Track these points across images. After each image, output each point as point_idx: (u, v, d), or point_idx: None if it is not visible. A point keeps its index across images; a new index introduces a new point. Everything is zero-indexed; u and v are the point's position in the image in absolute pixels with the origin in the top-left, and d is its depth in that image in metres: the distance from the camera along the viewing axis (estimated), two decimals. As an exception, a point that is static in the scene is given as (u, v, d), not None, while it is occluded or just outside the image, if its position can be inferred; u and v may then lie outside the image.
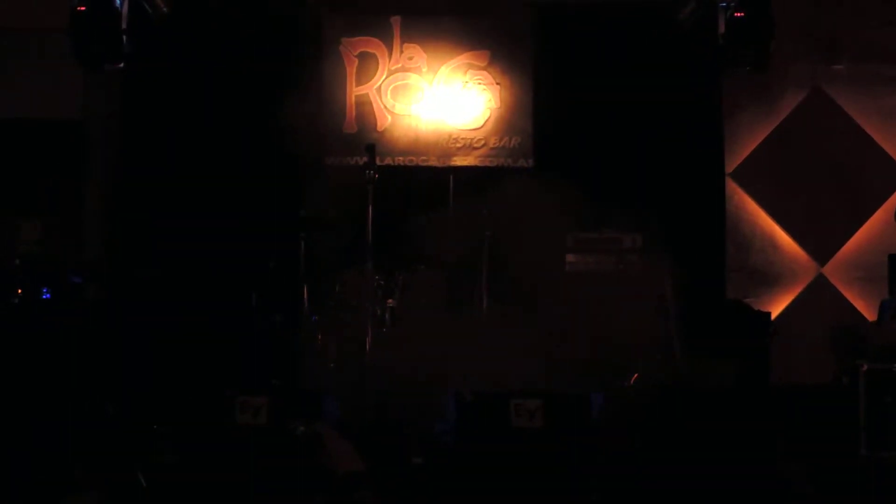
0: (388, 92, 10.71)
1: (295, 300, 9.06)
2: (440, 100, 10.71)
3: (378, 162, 8.83)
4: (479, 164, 10.68)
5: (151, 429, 7.50)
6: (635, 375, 8.65)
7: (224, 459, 7.07)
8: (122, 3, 9.46)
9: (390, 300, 9.06)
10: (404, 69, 10.75)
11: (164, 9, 10.10)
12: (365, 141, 9.62)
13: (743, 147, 10.86)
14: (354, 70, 10.71)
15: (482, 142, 10.70)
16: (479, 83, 10.71)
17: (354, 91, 10.70)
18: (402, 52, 10.75)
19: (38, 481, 7.04)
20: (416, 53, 10.74)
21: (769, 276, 10.81)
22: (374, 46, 10.74)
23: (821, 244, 10.83)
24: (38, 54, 10.18)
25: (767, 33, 9.39)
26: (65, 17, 9.17)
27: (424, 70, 10.73)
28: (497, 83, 10.71)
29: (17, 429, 7.52)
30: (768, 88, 10.76)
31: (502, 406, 7.20)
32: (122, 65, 9.64)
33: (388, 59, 10.74)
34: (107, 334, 8.70)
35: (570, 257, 9.58)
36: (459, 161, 10.67)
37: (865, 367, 7.88)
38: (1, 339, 8.14)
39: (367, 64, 10.72)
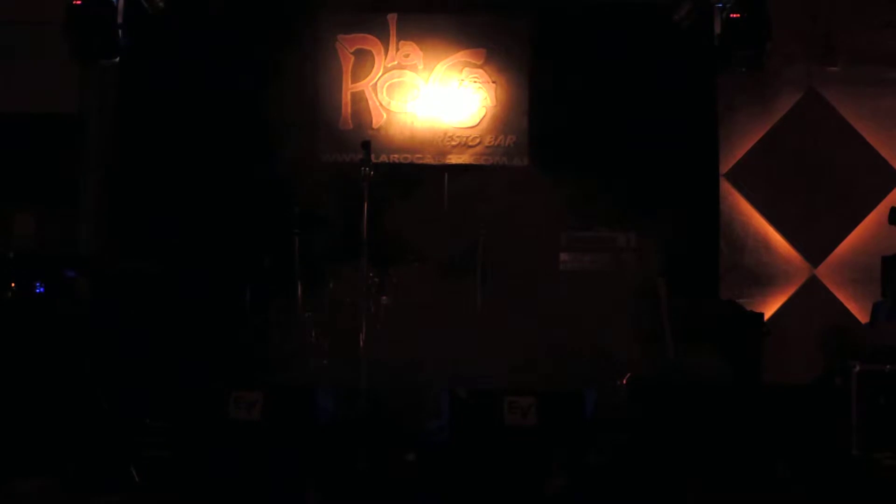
0: (384, 89, 10.72)
1: (289, 297, 9.05)
2: (436, 98, 10.72)
3: (373, 159, 8.80)
4: (474, 163, 10.69)
5: (144, 423, 7.51)
6: (628, 374, 8.66)
7: (217, 454, 7.09)
8: (118, -2, 9.45)
9: (384, 297, 9.06)
10: (400, 66, 10.76)
11: (160, 3, 10.08)
12: (360, 138, 9.59)
13: (737, 148, 10.88)
14: (350, 67, 10.72)
15: (477, 140, 10.71)
16: (475, 81, 10.73)
17: (350, 88, 10.71)
18: (398, 49, 10.76)
19: (32, 474, 7.05)
20: (412, 51, 10.75)
21: (762, 277, 10.83)
22: (370, 43, 10.75)
23: (814, 245, 10.85)
24: (34, 48, 10.15)
25: (763, 34, 9.40)
26: (61, 11, 9.14)
27: (420, 68, 10.74)
28: (493, 81, 10.73)
29: (10, 423, 7.53)
30: (763, 89, 10.78)
31: (496, 403, 7.22)
32: (117, 59, 9.62)
33: (384, 57, 10.75)
34: (100, 329, 8.69)
35: (564, 256, 9.59)
36: (455, 159, 10.68)
37: (858, 368, 7.91)
38: (-6, 333, 8.15)
39: (363, 61, 10.73)
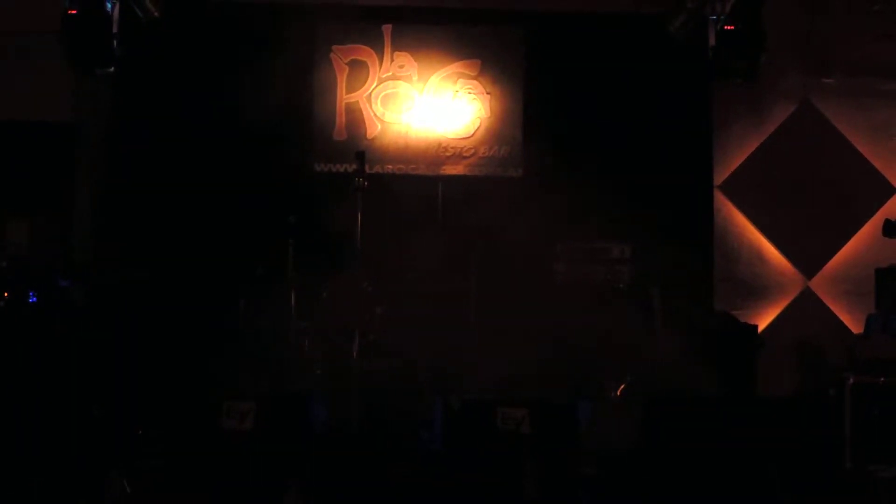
0: (379, 100, 10.72)
1: (283, 306, 9.04)
2: (430, 108, 10.72)
3: (367, 169, 8.90)
4: (468, 173, 10.68)
5: (136, 432, 7.49)
6: (622, 385, 8.66)
7: (209, 463, 7.07)
8: (113, 7, 9.40)
9: (378, 307, 9.05)
10: (395, 77, 10.76)
11: (155, 13, 10.06)
12: (355, 148, 9.69)
13: (732, 159, 10.89)
14: (345, 77, 10.72)
15: (472, 151, 10.71)
16: (470, 92, 10.73)
17: (345, 98, 10.71)
18: (392, 60, 10.76)
19: (22, 483, 7.02)
20: (406, 62, 10.75)
21: (756, 289, 10.83)
22: (365, 54, 10.75)
23: (808, 257, 10.85)
24: (28, 56, 10.16)
25: (758, 46, 9.39)
26: (56, 20, 9.12)
27: (415, 78, 10.74)
28: (487, 93, 10.73)
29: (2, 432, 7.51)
30: (758, 101, 10.79)
31: (489, 413, 7.21)
32: (112, 69, 9.61)
33: (378, 67, 10.75)
34: (94, 338, 8.68)
35: (558, 266, 9.60)
36: (449, 170, 10.68)
37: (852, 380, 7.91)
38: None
39: (357, 71, 10.73)
